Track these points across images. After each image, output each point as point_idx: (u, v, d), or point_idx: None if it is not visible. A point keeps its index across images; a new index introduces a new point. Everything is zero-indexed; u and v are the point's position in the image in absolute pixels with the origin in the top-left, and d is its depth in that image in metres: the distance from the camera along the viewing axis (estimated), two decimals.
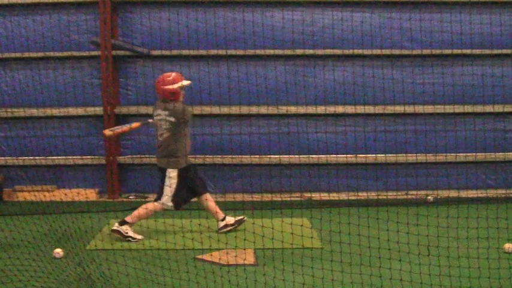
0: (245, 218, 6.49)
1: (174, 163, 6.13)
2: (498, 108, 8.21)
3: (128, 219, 6.16)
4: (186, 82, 6.22)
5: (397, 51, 8.20)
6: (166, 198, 6.14)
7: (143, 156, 8.19)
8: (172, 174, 6.11)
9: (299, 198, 8.08)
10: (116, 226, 6.13)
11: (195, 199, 6.45)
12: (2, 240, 6.07)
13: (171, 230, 6.26)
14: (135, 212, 6.22)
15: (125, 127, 6.35)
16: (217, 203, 6.51)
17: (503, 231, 5.89)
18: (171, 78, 6.14)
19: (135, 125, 6.35)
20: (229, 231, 6.39)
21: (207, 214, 6.62)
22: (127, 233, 6.10)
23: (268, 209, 7.42)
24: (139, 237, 6.14)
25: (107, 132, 6.37)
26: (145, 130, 8.27)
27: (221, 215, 6.44)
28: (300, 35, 8.16)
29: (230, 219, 6.45)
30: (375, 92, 8.22)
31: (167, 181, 6.11)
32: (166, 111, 6.10)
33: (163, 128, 6.14)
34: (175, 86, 6.11)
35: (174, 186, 6.14)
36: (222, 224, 6.42)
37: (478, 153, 8.23)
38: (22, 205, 7.69)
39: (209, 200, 6.39)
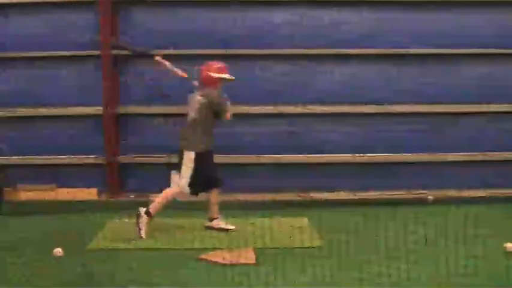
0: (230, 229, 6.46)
1: (191, 145, 6.16)
2: (498, 108, 8.22)
3: (151, 209, 6.13)
4: (228, 76, 6.28)
5: (397, 51, 8.19)
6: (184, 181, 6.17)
7: (143, 156, 8.19)
8: (190, 156, 6.14)
9: (299, 198, 8.08)
10: (141, 210, 6.10)
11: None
12: (2, 240, 6.07)
13: (172, 230, 6.26)
14: (155, 202, 6.18)
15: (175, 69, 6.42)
16: (219, 202, 6.48)
17: (503, 231, 5.90)
18: (216, 67, 6.27)
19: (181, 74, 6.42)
20: (220, 229, 6.40)
21: (206, 214, 6.63)
22: (140, 223, 6.09)
23: (269, 209, 7.45)
24: (143, 235, 6.10)
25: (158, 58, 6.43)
26: (146, 129, 8.29)
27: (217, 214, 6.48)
28: (300, 34, 8.16)
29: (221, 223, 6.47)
30: (374, 92, 8.23)
31: (187, 163, 6.13)
32: (201, 92, 6.21)
33: (192, 109, 6.22)
34: (216, 75, 6.21)
35: (191, 170, 6.14)
36: (219, 223, 6.43)
37: (478, 153, 8.24)
38: (22, 205, 7.71)
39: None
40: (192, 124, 6.20)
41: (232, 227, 6.39)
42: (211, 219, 6.44)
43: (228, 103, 6.25)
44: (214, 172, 6.36)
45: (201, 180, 6.19)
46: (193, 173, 6.14)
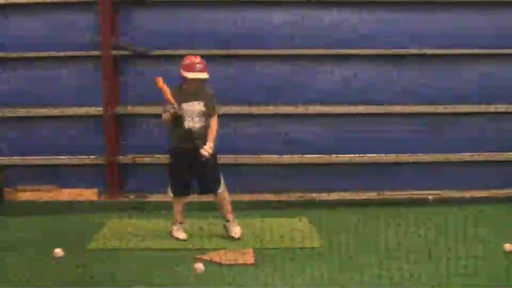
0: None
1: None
2: (498, 108, 8.22)
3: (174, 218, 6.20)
4: (189, 75, 5.84)
5: (397, 52, 8.19)
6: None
7: (143, 156, 8.19)
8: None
9: (299, 198, 8.08)
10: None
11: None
12: (2, 240, 6.07)
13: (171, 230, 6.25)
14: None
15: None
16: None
17: (503, 231, 5.90)
18: (184, 63, 5.90)
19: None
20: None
21: (206, 214, 6.63)
22: (173, 232, 6.21)
23: (268, 209, 7.46)
24: (179, 236, 6.13)
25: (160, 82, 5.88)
26: (146, 129, 8.29)
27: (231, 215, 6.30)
28: (300, 34, 8.16)
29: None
30: (375, 92, 8.23)
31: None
32: None
33: None
34: (181, 72, 5.89)
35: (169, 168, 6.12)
36: (229, 227, 6.26)
37: (478, 153, 8.24)
38: (22, 205, 7.72)
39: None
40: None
41: (237, 236, 6.12)
42: (226, 220, 6.24)
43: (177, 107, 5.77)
44: (200, 177, 6.04)
45: (180, 181, 6.05)
46: (170, 172, 6.07)
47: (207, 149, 5.83)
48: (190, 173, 6.04)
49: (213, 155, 5.98)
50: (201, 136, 5.91)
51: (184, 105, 5.85)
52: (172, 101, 5.72)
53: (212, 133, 5.97)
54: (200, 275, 4.95)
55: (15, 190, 8.10)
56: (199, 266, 5.02)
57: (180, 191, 6.10)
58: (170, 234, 6.17)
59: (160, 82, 5.80)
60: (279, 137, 8.24)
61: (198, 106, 5.94)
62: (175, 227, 6.19)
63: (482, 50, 8.17)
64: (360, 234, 6.01)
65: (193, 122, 5.91)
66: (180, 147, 5.96)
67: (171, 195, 6.13)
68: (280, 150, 8.22)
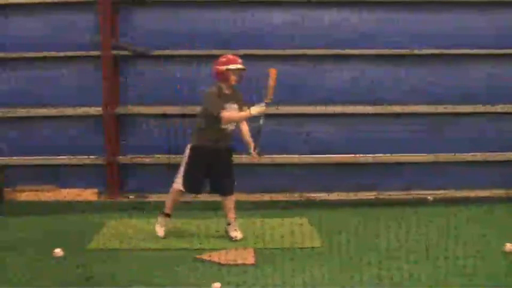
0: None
1: (191, 139, 6.09)
2: (499, 108, 8.22)
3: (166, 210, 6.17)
4: (233, 66, 5.95)
5: (398, 52, 8.19)
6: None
7: (143, 156, 8.19)
8: (187, 149, 6.03)
9: (299, 198, 8.08)
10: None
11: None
12: (2, 240, 6.07)
13: (171, 230, 6.25)
14: (167, 201, 6.20)
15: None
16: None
17: (505, 231, 5.89)
18: (224, 59, 5.98)
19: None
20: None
21: (207, 214, 6.61)
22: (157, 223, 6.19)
23: (269, 209, 7.46)
24: (158, 232, 6.15)
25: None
26: (146, 130, 8.29)
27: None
28: (301, 34, 8.16)
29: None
30: (375, 92, 8.23)
31: (185, 157, 6.05)
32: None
33: None
34: (222, 67, 5.93)
35: (185, 164, 6.03)
36: (229, 229, 6.23)
37: (479, 153, 8.24)
38: (22, 205, 7.72)
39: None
40: (197, 118, 6.10)
41: (236, 236, 6.08)
42: (227, 223, 6.19)
43: (234, 105, 5.94)
44: (217, 176, 6.07)
45: (196, 179, 6.02)
46: (188, 168, 6.00)
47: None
48: (209, 172, 6.06)
49: (232, 159, 6.15)
50: (232, 138, 6.07)
51: (227, 106, 5.94)
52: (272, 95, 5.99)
53: (247, 133, 6.18)
54: (200, 275, 4.94)
55: (15, 190, 8.10)
56: (217, 286, 4.74)
57: (194, 188, 6.11)
58: (163, 231, 6.16)
59: (275, 74, 6.03)
60: (279, 137, 8.23)
61: (234, 109, 6.06)
62: (159, 223, 6.17)
63: (482, 50, 8.17)
64: (360, 234, 6.01)
65: (230, 124, 6.03)
66: (211, 146, 5.98)
67: (181, 189, 6.03)
68: (281, 150, 8.21)
